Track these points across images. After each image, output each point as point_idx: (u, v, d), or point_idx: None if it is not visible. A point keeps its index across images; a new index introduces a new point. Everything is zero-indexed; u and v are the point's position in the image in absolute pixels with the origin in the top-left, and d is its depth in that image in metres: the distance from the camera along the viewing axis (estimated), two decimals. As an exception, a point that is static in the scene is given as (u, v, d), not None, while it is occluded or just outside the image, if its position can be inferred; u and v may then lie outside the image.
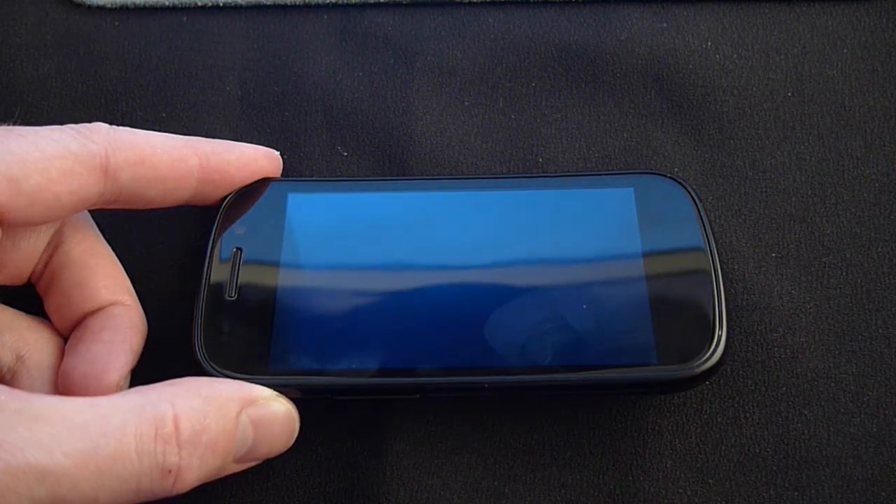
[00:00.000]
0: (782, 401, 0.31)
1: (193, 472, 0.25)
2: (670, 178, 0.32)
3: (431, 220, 0.32)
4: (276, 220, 0.32)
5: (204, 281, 0.31)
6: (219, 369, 0.29)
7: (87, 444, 0.23)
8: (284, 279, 0.31)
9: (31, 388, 0.29)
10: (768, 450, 0.30)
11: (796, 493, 0.29)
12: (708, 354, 0.28)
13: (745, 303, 0.32)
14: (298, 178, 0.35)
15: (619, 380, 0.28)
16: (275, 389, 0.28)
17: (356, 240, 0.32)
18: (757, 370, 0.31)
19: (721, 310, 0.29)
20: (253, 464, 0.28)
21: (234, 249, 0.32)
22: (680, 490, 0.30)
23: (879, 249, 0.33)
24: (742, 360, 0.31)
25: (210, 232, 0.32)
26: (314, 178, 0.35)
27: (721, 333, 0.29)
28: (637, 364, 0.28)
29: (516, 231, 0.32)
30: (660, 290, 0.30)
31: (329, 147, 0.36)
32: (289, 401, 0.28)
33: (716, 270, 0.30)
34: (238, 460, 0.27)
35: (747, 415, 0.31)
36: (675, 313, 0.29)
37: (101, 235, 0.32)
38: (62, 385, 0.29)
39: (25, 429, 0.23)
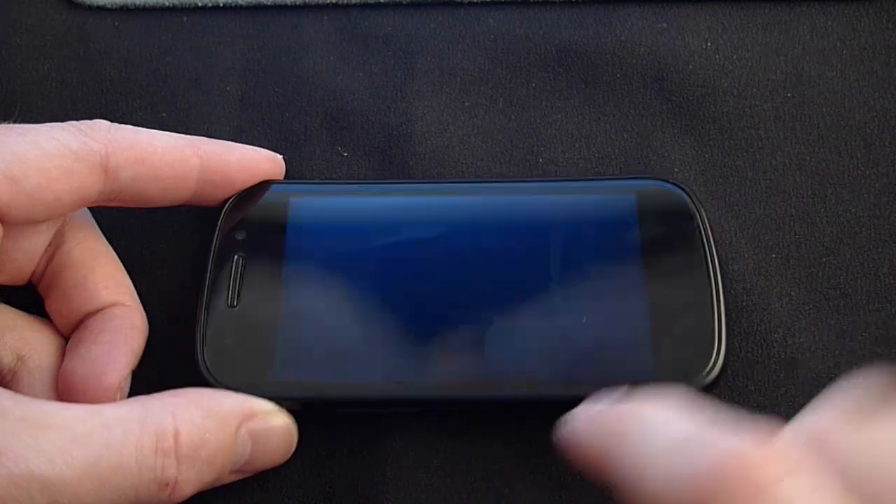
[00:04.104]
0: (782, 401, 0.31)
1: (190, 484, 0.26)
2: (673, 184, 0.32)
3: (434, 228, 0.32)
4: (278, 225, 0.32)
5: (206, 288, 0.31)
6: (221, 380, 0.29)
7: (90, 455, 0.24)
8: (286, 286, 0.31)
9: (31, 389, 0.29)
10: (768, 450, 0.30)
11: (796, 494, 0.29)
12: (705, 373, 0.28)
13: (745, 304, 0.32)
14: (300, 181, 0.34)
15: None
16: (276, 400, 0.28)
17: (359, 246, 0.32)
18: (757, 371, 0.31)
19: (721, 328, 0.29)
20: (249, 475, 0.28)
21: (236, 255, 0.32)
22: (680, 490, 0.30)
23: (879, 250, 0.33)
24: (742, 361, 0.31)
25: (212, 235, 0.32)
26: (316, 181, 0.35)
27: (720, 351, 0.29)
28: (635, 381, 0.28)
29: (519, 241, 0.32)
30: (660, 305, 0.30)
31: (329, 147, 0.36)
32: (288, 415, 0.29)
33: (717, 286, 0.30)
34: (235, 471, 0.28)
35: (747, 415, 0.31)
36: (674, 330, 0.29)
37: (102, 236, 0.32)
38: (62, 386, 0.29)
39: (29, 437, 0.23)
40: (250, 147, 0.33)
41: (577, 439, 0.24)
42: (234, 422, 0.27)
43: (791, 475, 0.19)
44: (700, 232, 0.31)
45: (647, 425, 0.22)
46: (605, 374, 0.29)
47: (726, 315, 0.29)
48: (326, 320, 0.30)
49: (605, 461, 0.23)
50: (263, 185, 0.33)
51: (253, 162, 0.33)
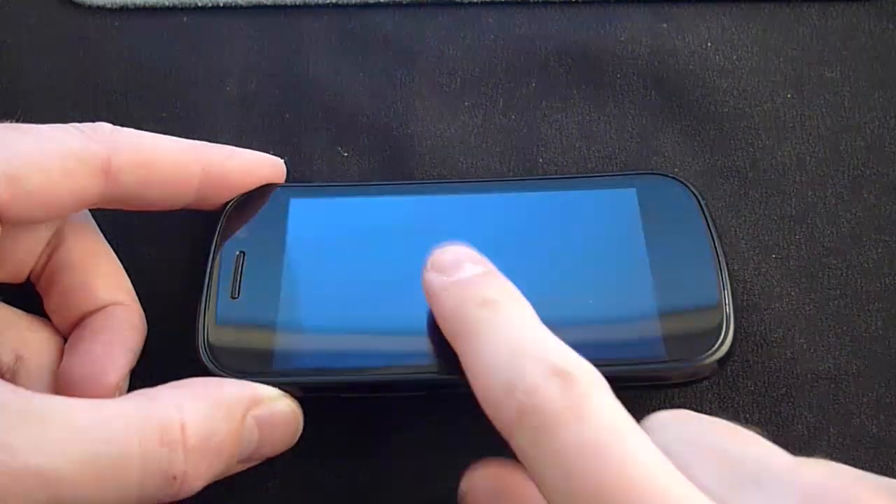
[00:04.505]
0: (782, 401, 0.31)
1: (200, 477, 0.25)
2: (671, 177, 0.32)
3: (434, 224, 0.32)
4: (279, 224, 0.32)
5: (206, 283, 0.31)
6: (223, 370, 0.29)
7: (90, 449, 0.23)
8: (287, 281, 0.31)
9: (30, 389, 0.29)
10: (768, 450, 0.30)
11: (796, 494, 0.29)
12: (716, 347, 0.28)
13: (745, 304, 0.32)
14: (301, 184, 0.34)
15: (630, 374, 0.28)
16: (279, 388, 0.28)
17: (359, 243, 0.32)
18: (757, 371, 0.31)
19: (728, 303, 0.29)
20: (256, 462, 0.28)
21: (238, 252, 0.32)
22: (680, 490, 0.30)
23: (880, 250, 0.33)
24: (742, 361, 0.31)
25: (213, 234, 0.32)
26: (317, 184, 0.35)
27: (729, 326, 0.29)
28: (647, 359, 0.28)
29: (521, 233, 0.32)
30: (666, 286, 0.30)
31: (329, 147, 0.36)
32: (293, 400, 0.28)
33: (721, 264, 0.30)
34: (242, 460, 0.27)
35: (747, 415, 0.31)
36: (682, 308, 0.29)
37: (101, 235, 0.32)
38: (61, 385, 0.29)
39: (29, 431, 0.23)
40: (252, 152, 0.33)
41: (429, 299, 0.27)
42: (240, 409, 0.26)
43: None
44: (701, 214, 0.31)
45: (491, 325, 0.24)
46: (615, 355, 0.28)
47: (732, 292, 0.29)
48: (327, 311, 0.30)
49: (453, 340, 0.25)
50: (264, 189, 0.33)
51: (254, 167, 0.33)
